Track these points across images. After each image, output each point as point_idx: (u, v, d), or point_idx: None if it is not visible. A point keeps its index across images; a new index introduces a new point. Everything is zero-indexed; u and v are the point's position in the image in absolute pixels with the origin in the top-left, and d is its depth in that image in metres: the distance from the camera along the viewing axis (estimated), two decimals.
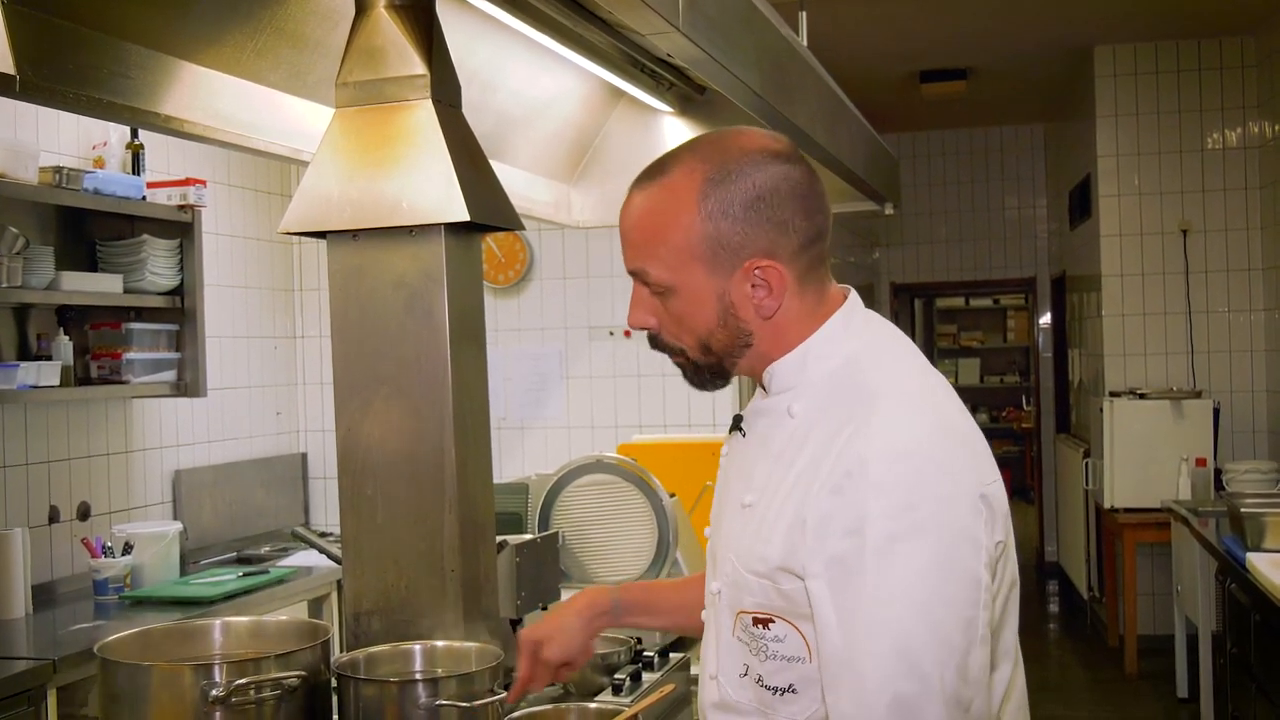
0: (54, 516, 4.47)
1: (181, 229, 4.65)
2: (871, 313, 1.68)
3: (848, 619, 1.44)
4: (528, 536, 2.98)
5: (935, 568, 1.43)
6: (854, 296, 1.66)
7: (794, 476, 1.52)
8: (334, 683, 2.03)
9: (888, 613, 1.42)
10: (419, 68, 2.23)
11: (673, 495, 3.31)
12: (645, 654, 2.59)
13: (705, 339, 1.61)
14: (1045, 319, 10.24)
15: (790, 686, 1.53)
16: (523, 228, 2.45)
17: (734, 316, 1.58)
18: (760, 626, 1.54)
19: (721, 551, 1.65)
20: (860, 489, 1.44)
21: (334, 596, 4.80)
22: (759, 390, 1.69)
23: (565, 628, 1.98)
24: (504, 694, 1.99)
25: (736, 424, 1.71)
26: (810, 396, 1.58)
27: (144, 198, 4.51)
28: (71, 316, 4.43)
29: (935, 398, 1.59)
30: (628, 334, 5.63)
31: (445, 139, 2.19)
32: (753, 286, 1.56)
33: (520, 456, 5.70)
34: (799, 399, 1.59)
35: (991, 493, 1.51)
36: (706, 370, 1.65)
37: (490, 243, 5.75)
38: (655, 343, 1.67)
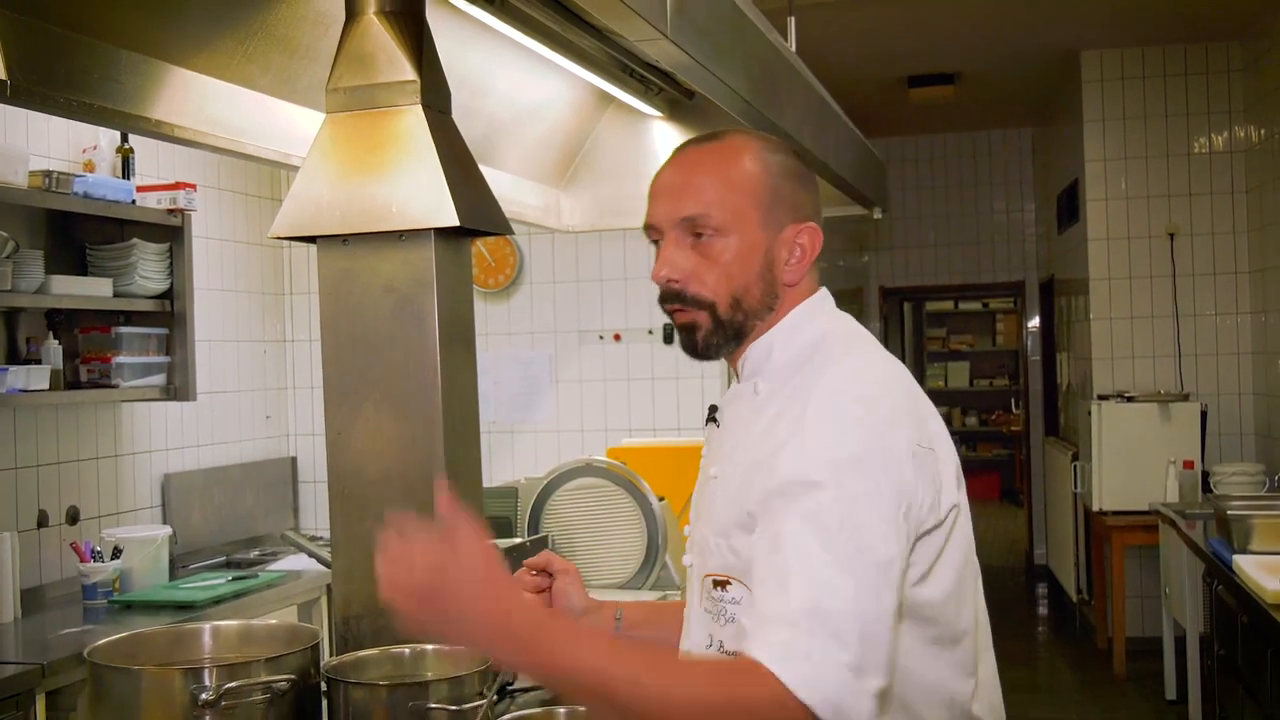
0: (43, 520, 4.46)
1: (171, 233, 4.64)
2: (841, 311, 1.75)
3: (776, 536, 1.47)
4: (517, 540, 2.99)
5: (864, 496, 1.46)
6: (825, 293, 1.75)
7: (752, 439, 1.60)
8: (323, 686, 2.04)
9: (814, 526, 1.44)
10: (409, 73, 2.24)
11: (662, 499, 3.32)
12: None
13: (741, 290, 1.65)
14: (1034, 322, 10.27)
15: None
16: (512, 232, 2.46)
17: (771, 273, 1.66)
18: (720, 589, 1.61)
19: (696, 526, 1.72)
20: (804, 428, 1.51)
21: (323, 600, 4.80)
22: (734, 381, 1.77)
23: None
24: (493, 697, 1.99)
25: (712, 415, 1.78)
26: (774, 377, 1.66)
27: (134, 201, 4.50)
28: (61, 320, 4.42)
29: (889, 370, 1.64)
30: (617, 338, 5.64)
31: (435, 144, 2.20)
32: (790, 249, 1.67)
33: (510, 460, 5.70)
34: (764, 379, 1.67)
35: (923, 455, 1.54)
36: (729, 327, 1.67)
37: (480, 247, 5.75)
38: (678, 297, 1.67)
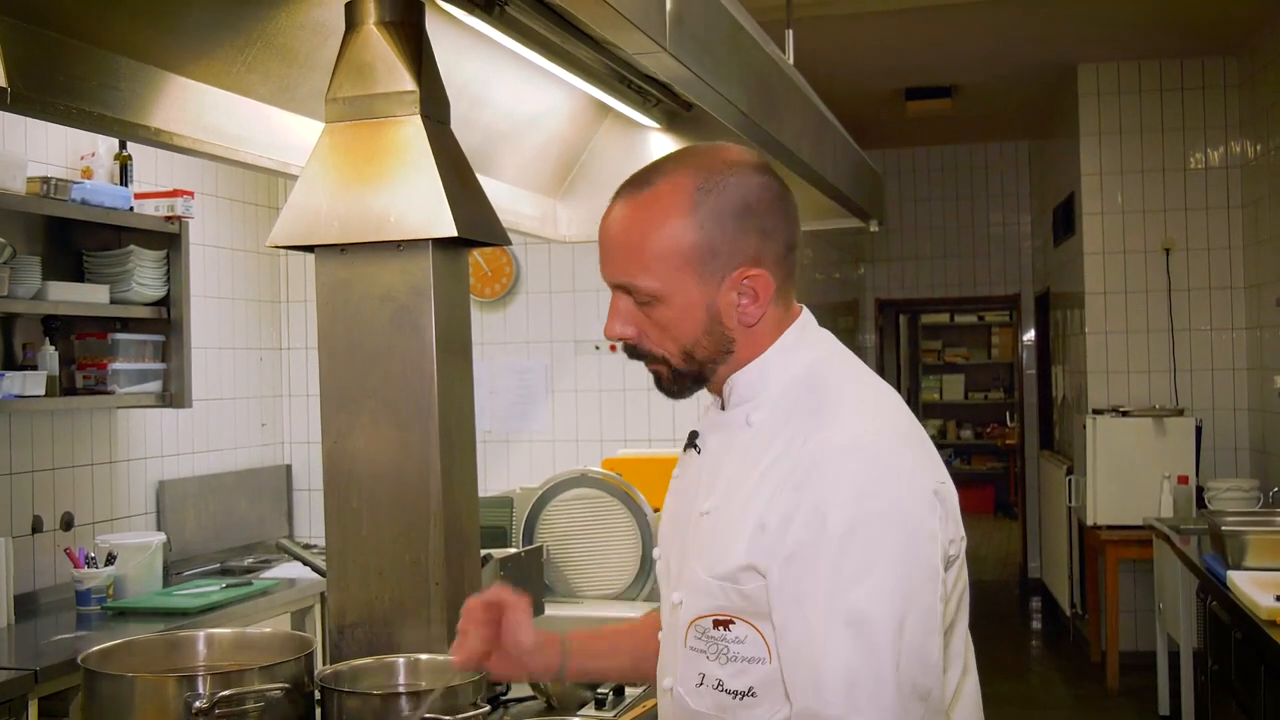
0: (37, 526, 4.46)
1: (169, 240, 4.65)
2: (823, 329, 1.72)
3: (807, 607, 1.47)
4: (512, 550, 3.00)
5: (893, 556, 1.46)
6: (807, 313, 1.71)
7: (757, 478, 1.55)
8: (318, 695, 2.04)
9: (846, 599, 1.45)
10: (408, 84, 2.25)
11: (657, 510, 3.32)
12: None
13: (690, 347, 1.63)
14: (1029, 335, 10.28)
15: (750, 690, 1.55)
16: (509, 243, 2.46)
17: (719, 324, 1.61)
18: (721, 629, 1.57)
19: (680, 561, 1.67)
20: (820, 482, 1.48)
21: (317, 609, 4.79)
22: (711, 407, 1.72)
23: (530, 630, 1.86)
24: (486, 708, 1.99)
25: (691, 441, 1.73)
26: (769, 406, 1.62)
27: (131, 209, 4.51)
28: (58, 326, 4.42)
29: (889, 401, 1.64)
30: (613, 348, 5.65)
31: (434, 155, 2.21)
32: (739, 295, 1.60)
33: (505, 470, 5.70)
34: (757, 409, 1.63)
35: (944, 491, 1.55)
36: (687, 377, 1.66)
37: (477, 256, 5.76)
38: (634, 352, 1.67)
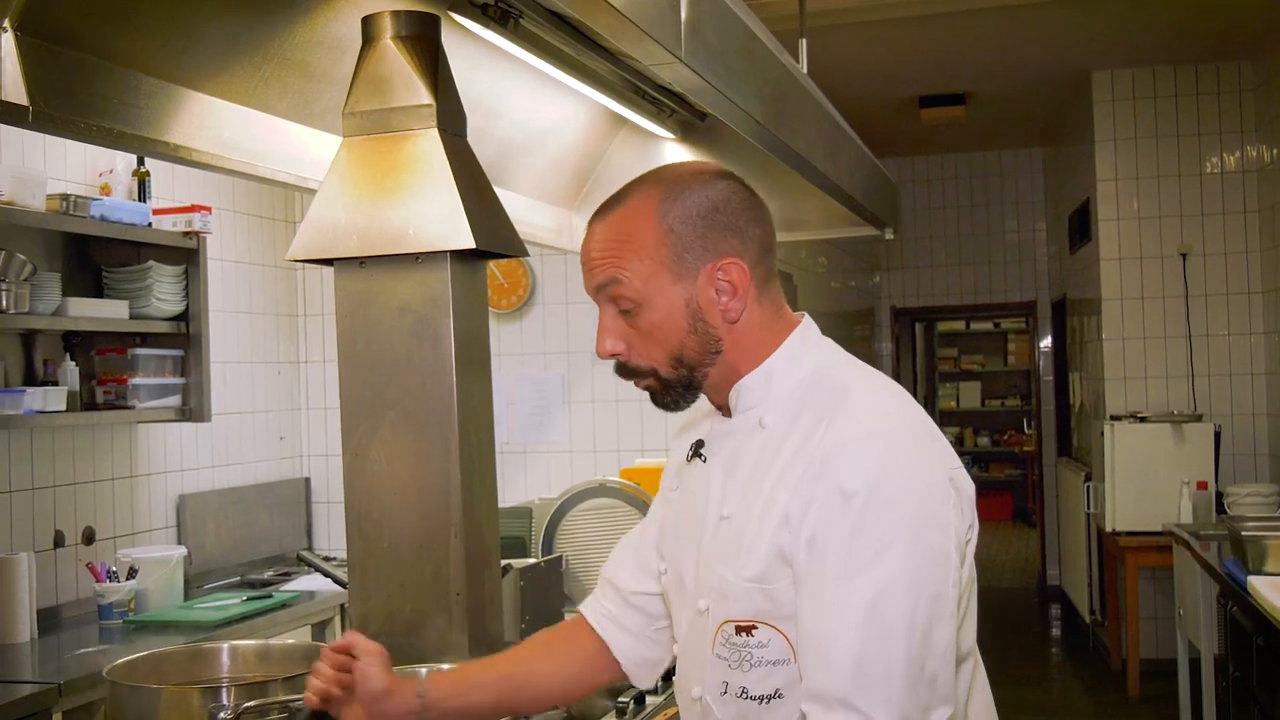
0: (59, 541, 4.48)
1: (187, 255, 4.67)
2: (825, 337, 1.76)
3: (821, 588, 1.50)
4: (532, 560, 3.00)
5: (904, 542, 1.49)
6: (809, 320, 1.74)
7: (776, 475, 1.59)
8: None
9: (859, 581, 1.48)
10: (425, 97, 2.27)
11: None
12: None
13: (677, 350, 1.66)
14: (1046, 342, 10.26)
15: (776, 692, 1.57)
16: (527, 254, 2.48)
17: (703, 321, 1.65)
18: (743, 634, 1.59)
19: (708, 568, 1.67)
20: (835, 470, 1.52)
21: (337, 621, 4.81)
22: (716, 416, 1.75)
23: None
24: None
25: (697, 450, 1.75)
26: (780, 408, 1.65)
27: (150, 224, 4.53)
28: (78, 342, 4.45)
29: (899, 395, 1.68)
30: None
31: (451, 167, 2.22)
32: (717, 291, 1.64)
33: (523, 481, 5.71)
34: (769, 411, 1.66)
35: (958, 479, 1.58)
36: (678, 385, 1.69)
37: (492, 268, 5.77)
38: (624, 370, 1.71)
